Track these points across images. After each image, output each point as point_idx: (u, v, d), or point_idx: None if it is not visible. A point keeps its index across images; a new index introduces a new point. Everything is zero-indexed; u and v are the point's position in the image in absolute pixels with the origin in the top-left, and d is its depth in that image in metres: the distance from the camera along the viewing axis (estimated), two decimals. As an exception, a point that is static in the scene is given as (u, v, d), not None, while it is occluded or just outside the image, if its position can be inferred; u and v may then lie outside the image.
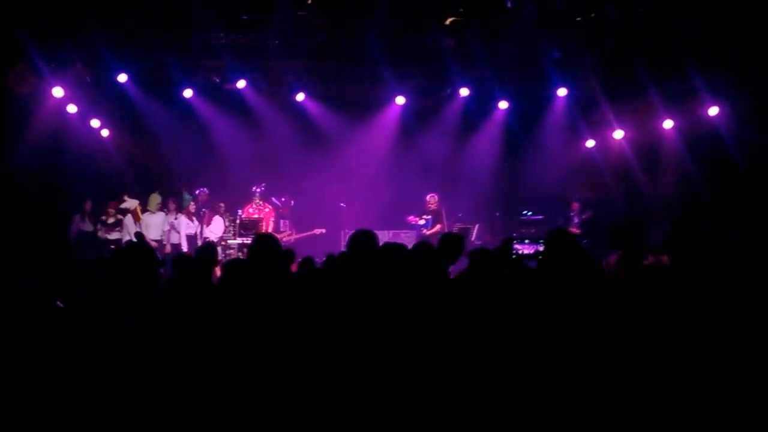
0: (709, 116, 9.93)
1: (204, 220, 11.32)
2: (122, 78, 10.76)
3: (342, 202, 12.07)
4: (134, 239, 10.40)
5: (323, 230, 11.56)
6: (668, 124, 10.74)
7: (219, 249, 10.70)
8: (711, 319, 3.19)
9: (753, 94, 9.00)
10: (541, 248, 4.00)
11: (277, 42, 10.19)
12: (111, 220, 11.01)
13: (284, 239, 11.42)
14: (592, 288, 3.59)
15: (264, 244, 4.13)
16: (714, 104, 9.79)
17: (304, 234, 11.52)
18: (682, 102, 10.22)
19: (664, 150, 10.93)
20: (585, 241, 10.51)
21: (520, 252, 4.43)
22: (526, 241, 5.17)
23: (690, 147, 10.37)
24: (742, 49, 8.67)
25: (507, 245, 4.67)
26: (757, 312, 3.19)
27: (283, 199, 11.90)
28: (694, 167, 10.18)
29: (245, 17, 9.45)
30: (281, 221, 11.82)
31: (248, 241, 10.69)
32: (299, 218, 12.02)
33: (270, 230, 11.37)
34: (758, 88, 8.82)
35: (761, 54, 8.45)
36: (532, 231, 11.48)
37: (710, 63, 9.23)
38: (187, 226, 11.20)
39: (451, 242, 4.84)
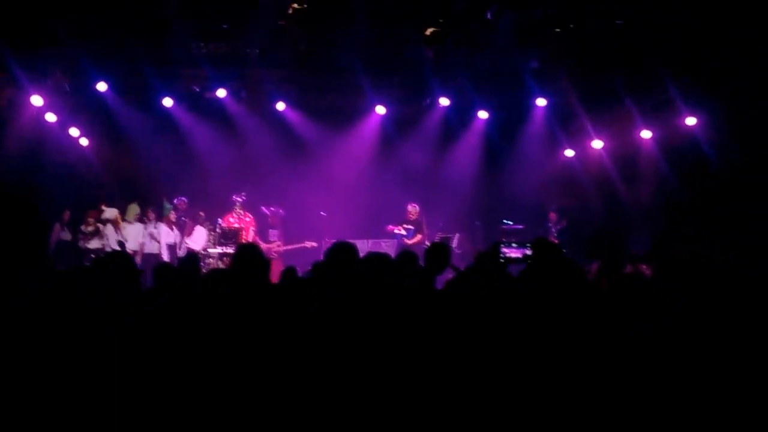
0: (686, 126, 10.06)
1: (185, 230, 11.25)
2: (102, 87, 10.70)
3: (322, 211, 12.03)
4: (116, 248, 10.36)
5: (315, 243, 11.48)
6: (646, 134, 10.87)
7: (202, 256, 10.66)
8: (707, 323, 3.22)
9: (728, 104, 9.13)
10: (528, 251, 4.01)
11: (257, 51, 10.19)
12: (90, 229, 10.92)
13: (274, 249, 11.38)
14: (578, 297, 3.61)
15: (247, 254, 4.11)
16: (691, 114, 9.93)
17: (294, 246, 11.45)
18: (660, 112, 10.35)
19: (643, 160, 11.05)
20: (564, 251, 10.59)
21: (507, 255, 4.44)
22: (513, 244, 5.18)
23: (668, 156, 10.50)
24: (716, 60, 8.81)
25: (495, 249, 4.66)
26: (749, 313, 3.22)
27: (272, 209, 11.79)
28: (672, 176, 10.31)
29: (225, 26, 9.43)
30: (270, 231, 11.72)
31: (228, 250, 10.64)
32: (285, 228, 11.95)
33: (250, 239, 11.30)
34: (733, 98, 8.95)
35: (735, 65, 8.59)
36: (513, 240, 11.56)
37: (686, 74, 9.37)
38: (167, 235, 11.15)
39: (437, 252, 4.82)
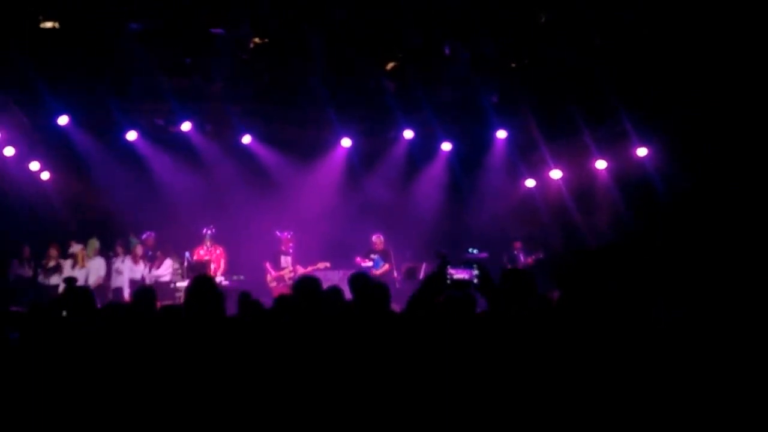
0: (637, 156, 10.40)
1: (155, 263, 11.13)
2: (63, 120, 10.67)
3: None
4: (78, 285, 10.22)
5: (328, 264, 11.32)
6: (601, 164, 11.20)
7: (170, 289, 10.47)
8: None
9: (676, 136, 9.49)
10: (475, 272, 4.05)
11: (220, 85, 10.28)
12: (52, 263, 10.79)
13: (287, 276, 11.32)
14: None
15: (200, 286, 4.14)
16: (642, 145, 10.27)
17: (307, 269, 11.11)
18: (614, 143, 10.68)
19: (598, 189, 11.36)
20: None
21: (453, 276, 4.48)
22: (462, 265, 5.17)
23: (621, 186, 10.82)
24: (665, 94, 9.16)
25: (441, 270, 4.67)
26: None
27: (285, 234, 11.68)
28: (624, 205, 10.61)
29: (188, 61, 9.51)
30: (282, 257, 11.57)
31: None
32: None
33: (221, 272, 11.23)
34: (681, 129, 9.31)
35: (682, 99, 8.95)
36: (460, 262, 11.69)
37: (638, 107, 9.71)
38: (130, 270, 11.04)
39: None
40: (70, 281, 9.21)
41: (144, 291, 5.36)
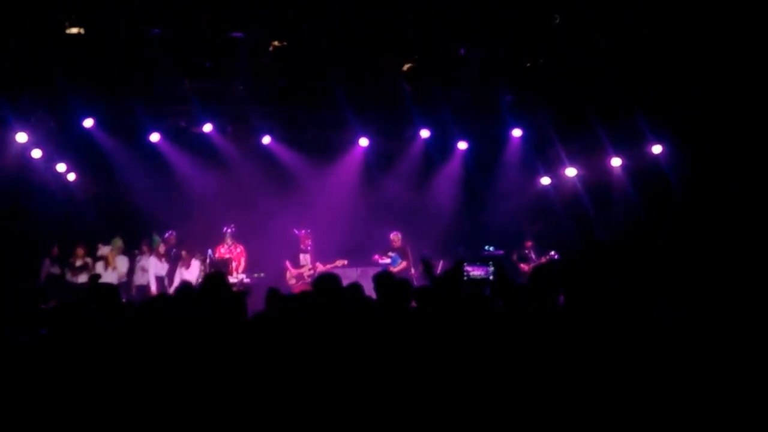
0: (652, 154, 10.44)
1: (182, 262, 11.37)
2: (88, 123, 10.95)
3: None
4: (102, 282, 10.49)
5: (345, 261, 11.52)
6: (616, 161, 11.25)
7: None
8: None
9: (691, 133, 9.53)
10: (491, 269, 4.20)
11: (240, 88, 10.50)
12: (79, 263, 11.07)
13: (306, 274, 11.54)
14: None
15: (212, 283, 4.29)
16: (657, 143, 10.32)
17: (326, 267, 11.30)
18: (628, 141, 10.74)
19: (613, 186, 11.42)
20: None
21: (470, 273, 4.62)
22: (478, 262, 5.26)
23: (636, 183, 10.87)
24: (680, 91, 9.21)
25: (458, 267, 4.80)
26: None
27: (303, 232, 11.85)
28: (639, 202, 10.66)
29: (208, 64, 9.72)
30: (301, 255, 11.76)
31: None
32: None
33: (241, 270, 11.47)
34: (695, 127, 9.35)
35: (697, 96, 9.00)
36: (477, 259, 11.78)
37: (652, 104, 9.76)
38: (155, 266, 11.30)
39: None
40: (94, 278, 9.51)
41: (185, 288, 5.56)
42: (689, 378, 3.27)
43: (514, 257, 11.88)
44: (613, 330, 3.22)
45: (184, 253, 11.37)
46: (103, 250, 11.21)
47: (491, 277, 4.30)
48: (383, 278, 4.63)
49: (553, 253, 11.61)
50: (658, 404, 3.15)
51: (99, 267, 11.09)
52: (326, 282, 4.28)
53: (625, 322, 3.29)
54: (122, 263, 11.35)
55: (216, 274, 4.48)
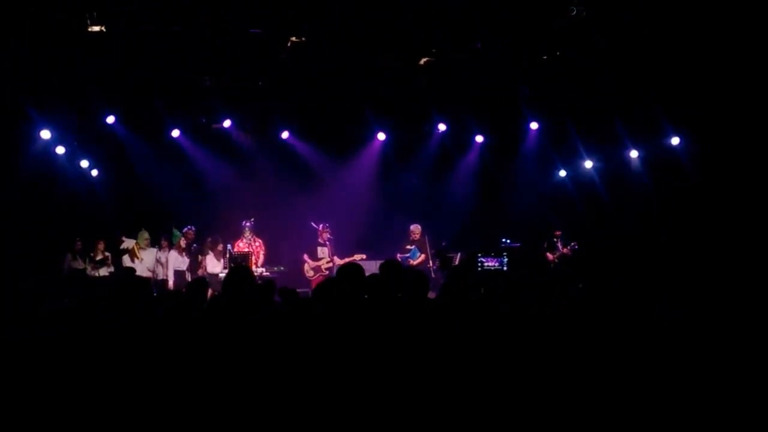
0: (670, 145, 10.42)
1: (213, 251, 11.45)
2: (110, 119, 11.13)
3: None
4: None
5: (363, 255, 11.45)
6: (634, 153, 11.23)
7: (219, 281, 10.75)
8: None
9: (709, 125, 9.50)
10: (505, 260, 4.24)
11: (259, 83, 10.62)
12: (99, 257, 11.23)
13: (324, 267, 11.62)
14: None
15: (236, 276, 4.35)
16: (675, 135, 10.29)
17: (344, 260, 11.24)
18: (647, 133, 10.71)
19: (631, 178, 11.40)
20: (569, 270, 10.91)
21: (485, 264, 4.67)
22: (492, 253, 5.31)
23: (653, 175, 10.84)
24: (698, 82, 9.18)
25: (472, 259, 4.84)
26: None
27: (321, 226, 11.91)
28: (657, 194, 10.64)
29: (228, 61, 9.84)
30: (319, 249, 11.83)
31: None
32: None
33: (260, 263, 11.59)
34: (713, 119, 9.32)
35: (716, 87, 8.96)
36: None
37: (670, 96, 9.73)
38: (175, 261, 11.43)
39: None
40: (129, 273, 9.62)
41: (197, 282, 5.67)
42: (689, 378, 3.28)
43: (544, 246, 11.85)
44: (612, 330, 3.24)
45: (209, 240, 11.44)
46: (127, 242, 11.34)
47: (505, 268, 4.36)
48: (388, 267, 4.62)
49: (574, 243, 11.60)
50: (658, 404, 3.17)
51: (126, 260, 11.25)
52: (351, 271, 4.30)
53: (624, 322, 3.31)
54: (149, 256, 11.50)
55: (241, 267, 4.55)
